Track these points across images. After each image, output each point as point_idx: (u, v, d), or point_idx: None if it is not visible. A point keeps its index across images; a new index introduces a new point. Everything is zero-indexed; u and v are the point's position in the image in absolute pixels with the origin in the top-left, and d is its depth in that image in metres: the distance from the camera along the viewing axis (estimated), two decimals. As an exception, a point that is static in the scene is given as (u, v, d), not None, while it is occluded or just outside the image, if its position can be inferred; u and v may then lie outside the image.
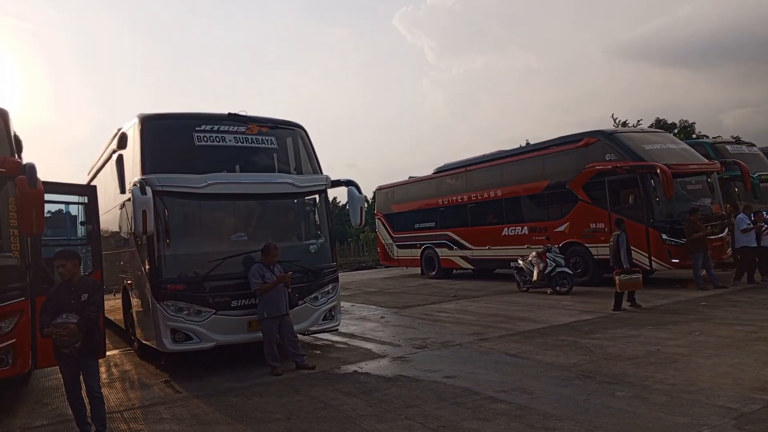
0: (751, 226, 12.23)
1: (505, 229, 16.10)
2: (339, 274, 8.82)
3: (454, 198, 18.09)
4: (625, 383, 5.69)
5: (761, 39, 68.65)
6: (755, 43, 69.39)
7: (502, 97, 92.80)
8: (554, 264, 12.68)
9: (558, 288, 12.55)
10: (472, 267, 17.93)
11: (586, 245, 13.65)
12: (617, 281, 10.06)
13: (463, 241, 17.77)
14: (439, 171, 19.53)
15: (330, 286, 8.37)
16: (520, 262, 13.63)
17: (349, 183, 8.80)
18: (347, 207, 9.02)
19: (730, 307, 9.62)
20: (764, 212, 13.37)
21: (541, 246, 13.48)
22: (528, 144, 23.63)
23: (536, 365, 6.68)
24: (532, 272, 13.06)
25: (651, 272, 13.20)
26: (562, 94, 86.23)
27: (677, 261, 12.18)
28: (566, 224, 14.17)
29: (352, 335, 9.55)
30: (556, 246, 13.42)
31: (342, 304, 9.88)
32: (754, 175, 14.61)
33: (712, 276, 11.88)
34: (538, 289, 13.06)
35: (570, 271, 12.77)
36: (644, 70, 79.58)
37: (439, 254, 18.78)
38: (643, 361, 6.48)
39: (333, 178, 8.77)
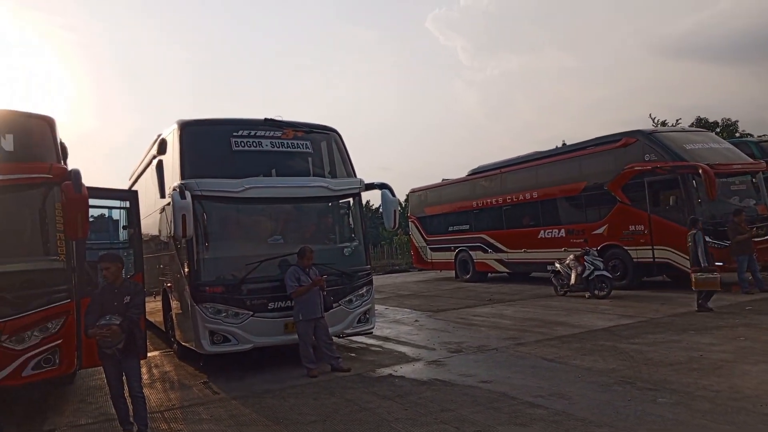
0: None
1: (542, 231, 15.89)
2: (373, 277, 8.85)
3: (489, 200, 17.94)
4: (667, 389, 5.55)
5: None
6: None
7: (538, 98, 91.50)
8: (592, 267, 12.44)
9: (596, 292, 12.31)
10: (508, 270, 17.72)
11: (626, 248, 13.37)
12: (693, 279, 9.86)
13: (498, 244, 17.60)
14: (473, 173, 19.41)
15: (364, 289, 8.41)
16: (558, 265, 13.42)
17: (382, 186, 8.84)
18: (380, 210, 9.04)
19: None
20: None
21: (579, 249, 13.24)
22: (564, 145, 23.29)
23: (574, 370, 6.57)
24: (570, 276, 12.85)
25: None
26: (599, 93, 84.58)
27: (721, 264, 11.79)
28: (605, 226, 13.91)
29: (386, 338, 9.56)
30: (595, 249, 13.18)
31: (376, 307, 9.90)
32: (803, 175, 14.04)
33: (758, 279, 11.48)
34: (576, 293, 12.84)
35: (609, 275, 12.51)
36: (684, 68, 77.42)
37: (474, 257, 18.64)
38: (685, 367, 6.31)
39: (366, 181, 8.82)
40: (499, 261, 17.64)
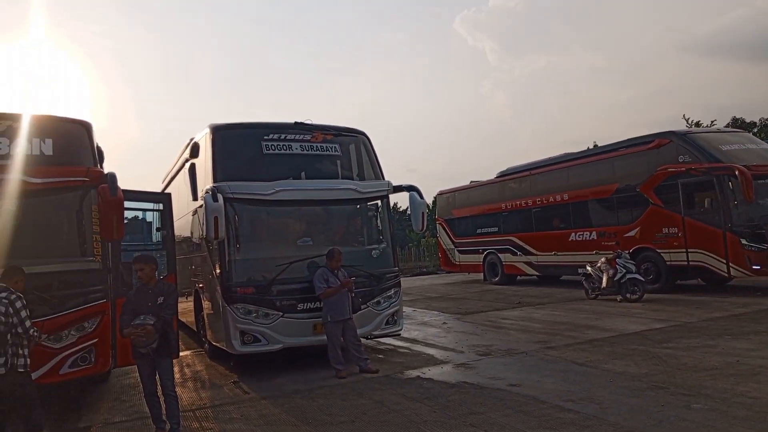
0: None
1: (572, 234, 15.68)
2: (401, 279, 8.86)
3: (518, 202, 17.79)
4: (702, 395, 5.43)
5: None
6: None
7: (566, 98, 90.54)
8: (624, 270, 12.22)
9: (628, 295, 12.09)
10: (537, 273, 17.54)
11: (658, 251, 13.11)
12: None
13: (527, 247, 17.43)
14: (502, 175, 19.29)
15: (392, 291, 8.43)
16: (589, 268, 13.22)
17: (410, 188, 8.85)
18: (408, 212, 9.05)
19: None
20: None
21: (611, 252, 13.02)
22: (595, 146, 22.96)
23: (605, 374, 6.47)
24: (601, 279, 12.65)
25: (729, 279, 12.54)
26: (630, 93, 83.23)
27: (758, 267, 11.50)
28: (637, 229, 13.68)
29: (414, 340, 9.55)
30: (627, 252, 12.95)
31: (404, 309, 9.90)
32: None
33: (799, 283, 11.13)
34: (608, 296, 12.63)
35: (641, 278, 12.27)
36: (720, 66, 75.64)
37: (503, 260, 18.49)
38: (721, 373, 6.16)
39: (394, 183, 8.84)
40: (529, 264, 17.46)
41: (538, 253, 17.00)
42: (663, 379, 6.10)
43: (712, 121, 31.87)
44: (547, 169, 17.09)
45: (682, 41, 78.79)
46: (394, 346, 9.17)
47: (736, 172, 11.49)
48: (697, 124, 30.95)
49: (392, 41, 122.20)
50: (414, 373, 7.23)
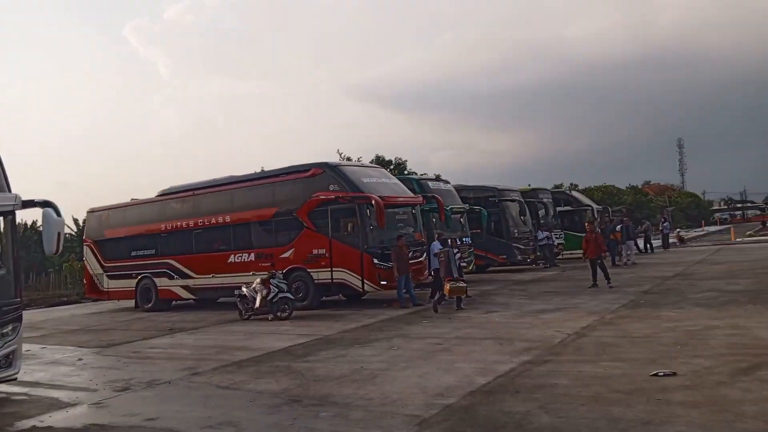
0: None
1: (232, 255, 15.76)
2: (28, 311, 7.46)
3: (179, 223, 17.05)
4: (329, 403, 5.92)
5: (462, 94, 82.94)
6: (458, 96, 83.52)
7: (239, 122, 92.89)
8: (277, 290, 12.79)
9: (279, 313, 12.66)
10: (194, 297, 17.00)
11: (308, 270, 14.13)
12: (448, 287, 11.95)
13: (185, 270, 16.75)
14: (163, 194, 18.36)
15: (9, 327, 7.00)
16: (244, 289, 13.40)
17: (45, 204, 7.52)
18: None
19: (425, 322, 10.83)
20: (458, 239, 15.75)
21: (266, 272, 13.49)
22: (262, 170, 23.88)
23: (247, 395, 6.54)
24: (255, 299, 12.97)
25: (364, 294, 14.27)
26: (297, 124, 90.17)
27: (385, 283, 13.44)
28: (291, 250, 14.50)
29: (36, 383, 8.06)
30: (281, 272, 13.60)
31: (28, 347, 8.39)
32: (448, 208, 17.15)
33: (412, 295, 13.39)
34: (260, 315, 12.99)
35: (291, 296, 13.01)
36: (370, 110, 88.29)
37: (158, 284, 17.29)
38: (348, 380, 6.83)
39: (39, 198, 7.47)
40: (185, 287, 16.76)
41: (196, 275, 16.51)
42: (299, 392, 6.46)
43: (358, 157, 36.55)
44: (211, 190, 16.93)
45: (342, 85, 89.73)
46: (7, 393, 7.53)
47: (372, 202, 13.24)
48: (348, 158, 35.07)
49: (48, 36, 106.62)
50: (29, 422, 6.06)
